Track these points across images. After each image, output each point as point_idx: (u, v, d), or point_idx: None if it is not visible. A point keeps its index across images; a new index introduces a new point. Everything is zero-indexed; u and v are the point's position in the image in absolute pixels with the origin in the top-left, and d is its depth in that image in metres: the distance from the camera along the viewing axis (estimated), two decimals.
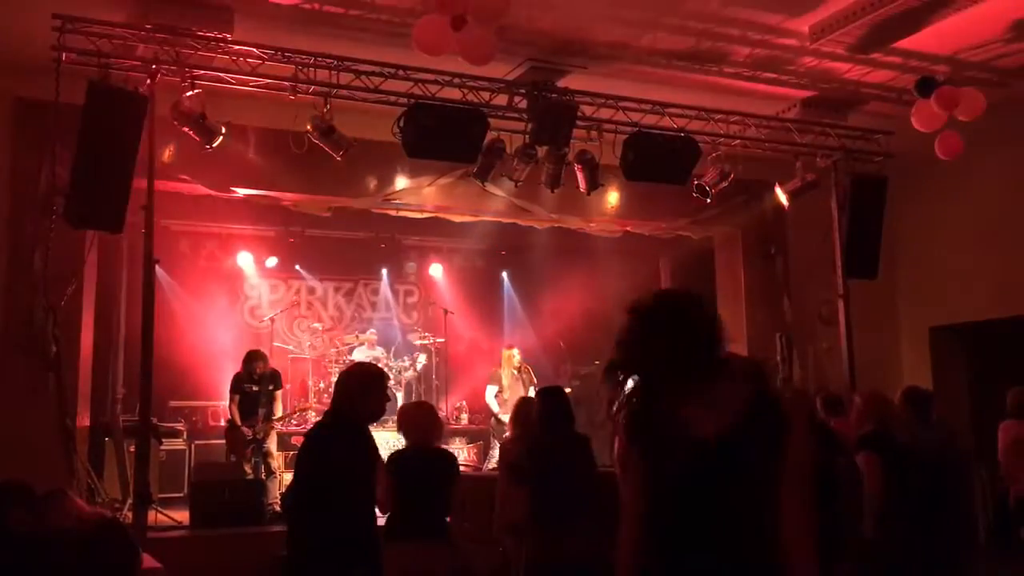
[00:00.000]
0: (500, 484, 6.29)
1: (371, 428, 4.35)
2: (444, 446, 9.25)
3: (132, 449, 7.77)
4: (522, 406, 6.54)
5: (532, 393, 9.86)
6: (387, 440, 9.16)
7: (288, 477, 8.70)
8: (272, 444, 8.82)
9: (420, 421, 5.33)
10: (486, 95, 7.89)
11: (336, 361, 11.04)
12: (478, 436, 10.89)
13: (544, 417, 5.86)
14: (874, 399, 5.73)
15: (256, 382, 8.80)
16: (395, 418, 10.25)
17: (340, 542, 3.90)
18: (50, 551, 3.99)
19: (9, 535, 4.11)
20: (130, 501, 7.36)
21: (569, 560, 5.46)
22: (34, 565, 3.97)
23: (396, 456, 5.23)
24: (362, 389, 4.22)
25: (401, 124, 7.43)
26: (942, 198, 10.72)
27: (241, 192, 8.80)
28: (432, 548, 4.98)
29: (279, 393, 9.01)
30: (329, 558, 3.88)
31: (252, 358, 8.90)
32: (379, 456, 4.32)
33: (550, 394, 5.99)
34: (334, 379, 10.63)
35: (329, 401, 10.40)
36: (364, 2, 7.04)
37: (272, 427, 8.84)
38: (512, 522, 5.89)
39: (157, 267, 6.95)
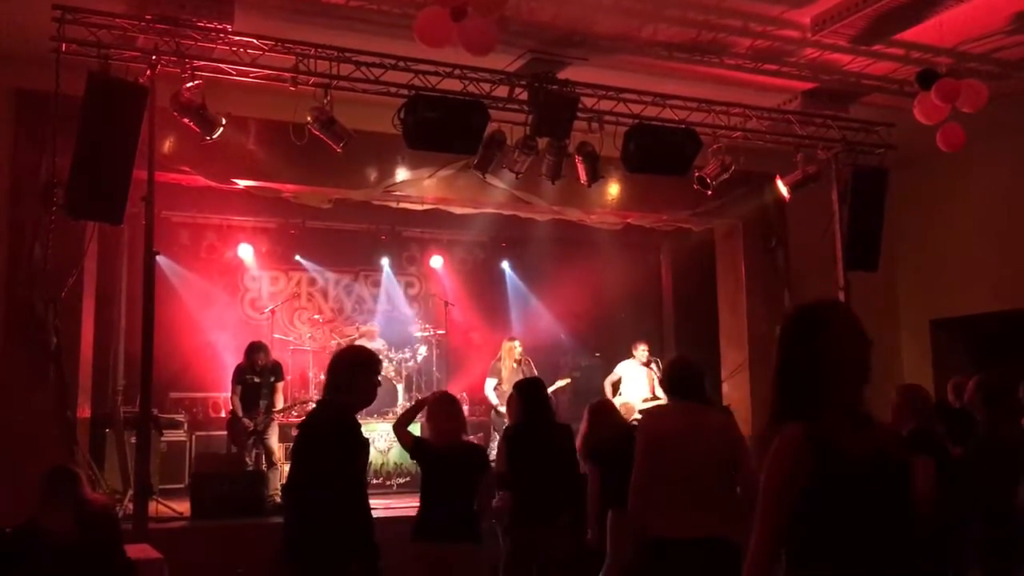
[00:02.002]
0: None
1: (373, 420, 4.33)
2: None
3: (133, 440, 7.78)
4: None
5: None
6: (387, 431, 9.19)
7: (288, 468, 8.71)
8: (273, 435, 8.83)
9: (445, 414, 5.32)
10: (487, 86, 7.87)
11: None
12: (478, 428, 10.88)
13: (520, 413, 5.89)
14: (912, 393, 5.53)
15: (258, 373, 8.81)
16: (395, 410, 10.32)
17: (334, 535, 3.89)
18: (34, 555, 3.97)
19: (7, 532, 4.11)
20: (131, 492, 7.37)
21: (548, 554, 5.50)
22: (16, 568, 3.95)
23: (423, 445, 5.25)
24: (349, 375, 4.15)
25: (402, 115, 7.42)
26: (943, 190, 10.72)
27: (241, 183, 8.79)
28: (458, 549, 4.97)
29: (280, 385, 9.01)
30: (324, 550, 3.88)
31: (254, 349, 8.91)
32: (367, 445, 4.26)
33: (523, 389, 6.01)
34: None
35: None
36: None
37: (273, 419, 8.85)
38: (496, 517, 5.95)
39: (159, 257, 6.95)
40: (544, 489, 5.56)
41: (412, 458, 5.39)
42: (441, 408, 5.38)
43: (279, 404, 8.95)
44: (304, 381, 11.20)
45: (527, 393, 5.93)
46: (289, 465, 4.37)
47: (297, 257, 12.06)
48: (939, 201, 10.82)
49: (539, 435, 5.71)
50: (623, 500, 5.74)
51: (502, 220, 10.96)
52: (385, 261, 12.56)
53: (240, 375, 8.85)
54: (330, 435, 4.00)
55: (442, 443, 5.22)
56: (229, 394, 9.04)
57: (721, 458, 4.27)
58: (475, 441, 10.45)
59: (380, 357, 4.96)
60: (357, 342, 11.12)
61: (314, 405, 4.54)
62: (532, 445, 5.66)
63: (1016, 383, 5.73)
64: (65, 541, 4.03)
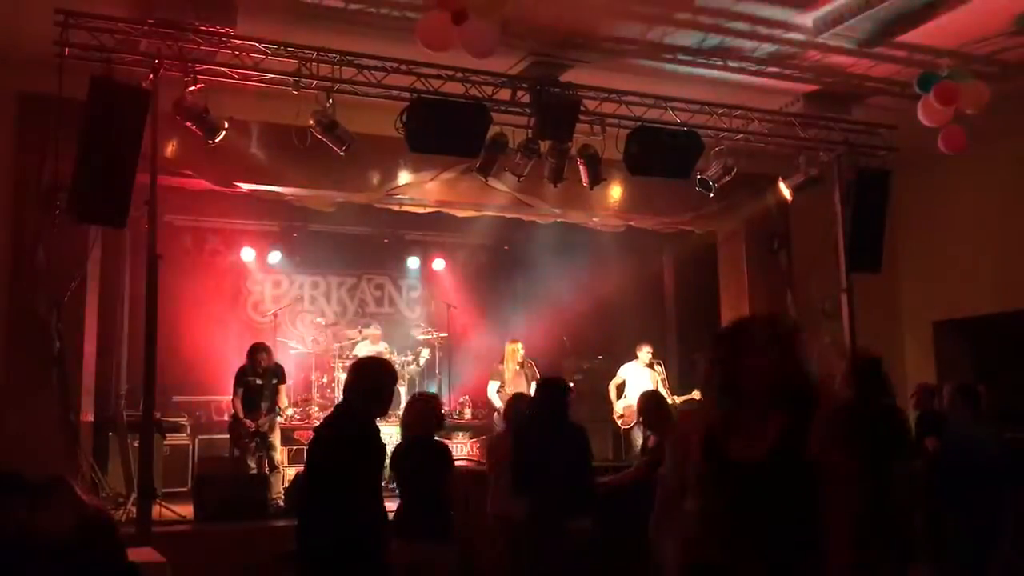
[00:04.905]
0: (490, 479, 6.30)
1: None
2: (447, 440, 9.25)
3: (136, 444, 7.78)
4: (514, 403, 6.51)
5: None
6: (391, 434, 9.19)
7: (291, 472, 8.72)
8: (276, 438, 8.83)
9: (419, 414, 5.33)
10: (489, 89, 7.88)
11: (340, 356, 11.04)
12: (481, 431, 10.88)
13: (534, 411, 5.87)
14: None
15: (260, 375, 8.82)
16: (398, 413, 10.33)
17: (346, 536, 3.90)
18: (31, 558, 3.94)
19: None
20: (134, 496, 7.37)
21: (563, 555, 5.47)
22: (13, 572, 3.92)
23: (395, 451, 5.23)
24: (375, 386, 4.22)
25: (404, 119, 7.42)
26: (945, 192, 10.71)
27: (244, 187, 8.80)
28: (435, 549, 4.97)
29: (283, 387, 9.02)
30: (335, 552, 3.89)
31: (256, 350, 8.92)
32: (384, 450, 4.32)
33: (544, 387, 5.98)
34: (337, 374, 10.67)
35: (332, 395, 10.48)
36: None
37: (281, 414, 8.87)
38: (500, 515, 5.92)
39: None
40: (555, 494, 5.53)
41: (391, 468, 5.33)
42: (409, 408, 5.46)
43: (283, 405, 8.97)
44: (307, 384, 11.21)
45: (541, 395, 5.92)
46: (305, 466, 4.38)
47: (298, 261, 12.07)
48: (942, 203, 10.81)
49: (549, 438, 5.68)
50: None
51: (504, 223, 10.97)
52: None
53: (242, 377, 8.85)
54: (351, 439, 4.03)
55: (413, 441, 5.26)
56: (231, 397, 9.05)
57: None
58: (476, 443, 10.57)
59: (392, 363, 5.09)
60: (359, 344, 11.15)
61: (327, 412, 4.58)
62: (543, 448, 5.63)
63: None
64: (65, 543, 4.01)
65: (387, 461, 4.76)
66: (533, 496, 5.54)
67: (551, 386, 6.04)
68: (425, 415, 5.33)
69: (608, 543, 5.79)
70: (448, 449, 5.52)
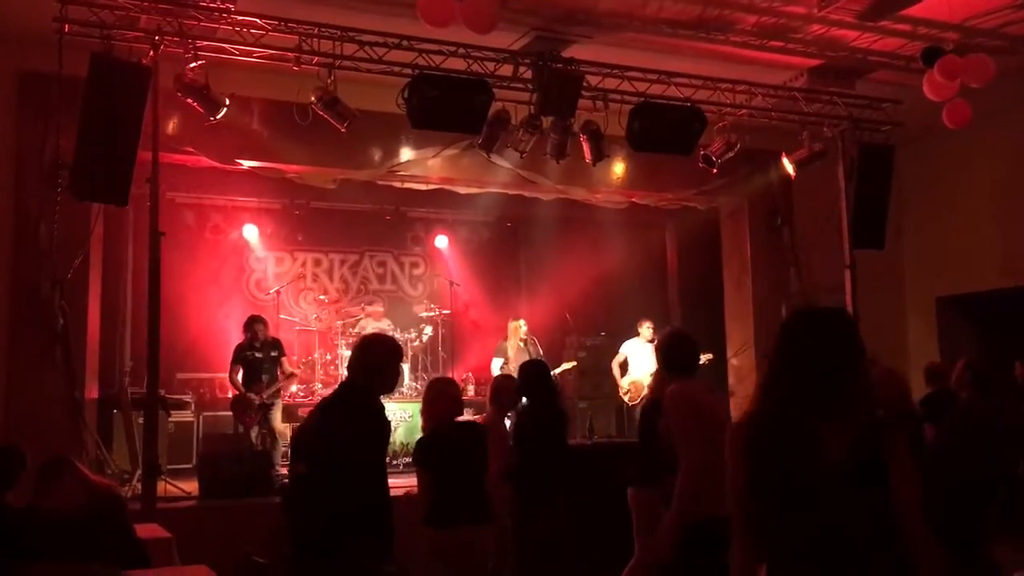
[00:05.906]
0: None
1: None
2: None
3: (140, 421, 7.82)
4: (500, 383, 6.42)
5: None
6: (393, 411, 9.23)
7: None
8: (278, 414, 8.88)
9: (445, 398, 5.13)
10: (491, 65, 7.84)
11: (343, 333, 11.06)
12: (484, 408, 10.90)
13: (524, 396, 5.87)
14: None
15: (259, 348, 8.86)
16: (402, 390, 10.36)
17: (349, 516, 3.90)
18: (43, 530, 3.98)
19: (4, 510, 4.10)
20: (139, 472, 7.41)
21: (548, 539, 5.50)
22: (25, 542, 3.95)
23: (425, 442, 4.97)
24: (381, 364, 4.21)
25: (405, 95, 7.39)
26: (950, 167, 10.68)
27: (246, 164, 8.78)
28: (477, 530, 4.81)
29: (284, 360, 9.07)
30: (337, 531, 3.89)
31: (253, 321, 9.00)
32: (390, 427, 4.30)
33: (528, 372, 5.99)
34: (340, 352, 10.69)
35: (335, 373, 10.47)
36: None
37: (291, 380, 9.01)
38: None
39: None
40: (543, 474, 5.56)
41: (417, 463, 5.02)
42: (431, 393, 5.20)
43: (288, 371, 9.05)
44: (311, 362, 11.23)
45: (526, 378, 5.93)
46: (308, 443, 4.38)
47: (300, 239, 12.08)
48: (945, 178, 10.77)
49: (541, 420, 5.70)
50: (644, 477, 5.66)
51: (507, 199, 10.94)
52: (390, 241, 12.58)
53: (240, 352, 8.89)
54: (356, 416, 4.03)
55: (436, 428, 5.03)
56: (228, 374, 9.08)
57: None
58: (479, 420, 10.60)
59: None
60: (362, 321, 11.16)
61: (337, 387, 4.55)
62: (534, 431, 5.65)
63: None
64: (76, 517, 4.05)
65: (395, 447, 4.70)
66: (519, 482, 5.56)
67: (533, 369, 6.06)
68: (449, 400, 5.17)
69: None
70: (481, 427, 5.44)
